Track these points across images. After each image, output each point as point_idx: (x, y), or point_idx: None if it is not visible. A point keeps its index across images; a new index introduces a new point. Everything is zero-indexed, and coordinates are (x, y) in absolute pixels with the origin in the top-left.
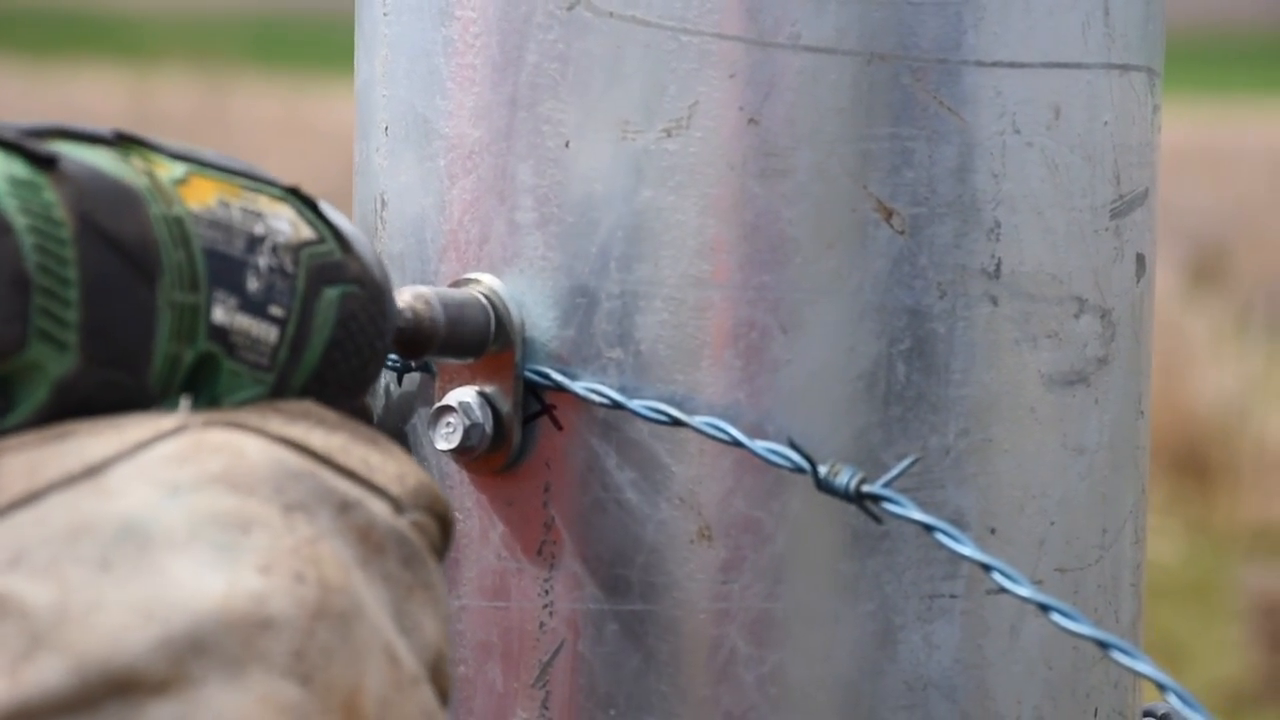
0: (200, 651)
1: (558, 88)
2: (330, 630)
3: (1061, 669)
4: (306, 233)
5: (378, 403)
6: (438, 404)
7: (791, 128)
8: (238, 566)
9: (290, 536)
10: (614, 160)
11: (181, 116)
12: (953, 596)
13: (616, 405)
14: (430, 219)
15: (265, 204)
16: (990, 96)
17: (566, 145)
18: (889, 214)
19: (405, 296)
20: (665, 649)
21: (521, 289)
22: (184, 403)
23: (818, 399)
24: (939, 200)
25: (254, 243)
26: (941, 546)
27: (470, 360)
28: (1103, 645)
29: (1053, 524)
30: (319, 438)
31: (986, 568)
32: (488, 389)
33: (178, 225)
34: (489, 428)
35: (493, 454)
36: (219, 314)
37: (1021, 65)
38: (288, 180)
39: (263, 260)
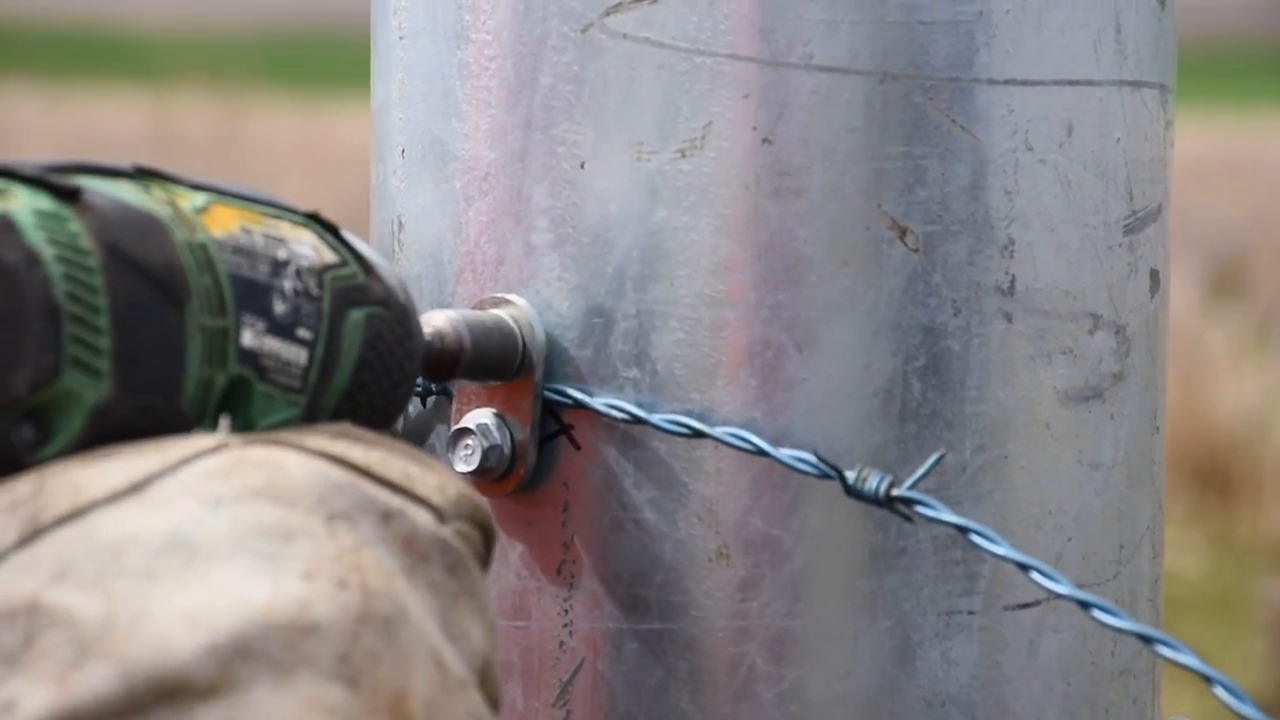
0: (246, 656)
1: (572, 109)
2: (375, 634)
3: (1080, 685)
4: (329, 256)
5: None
6: (456, 426)
7: (805, 147)
8: (281, 573)
9: (333, 544)
10: (629, 181)
11: (199, 138)
12: (970, 613)
13: (637, 420)
14: (447, 241)
15: (287, 229)
16: (1003, 114)
17: (581, 166)
18: (903, 232)
19: (432, 320)
20: (685, 667)
21: (538, 310)
22: (223, 422)
23: (834, 417)
24: (952, 218)
25: (278, 267)
26: (976, 548)
27: (496, 382)
28: (1146, 640)
29: (1069, 540)
30: (358, 452)
31: (1024, 567)
32: (506, 410)
33: (202, 251)
34: (507, 449)
35: (511, 475)
36: (248, 338)
37: (1034, 83)
38: (306, 206)
39: (288, 284)
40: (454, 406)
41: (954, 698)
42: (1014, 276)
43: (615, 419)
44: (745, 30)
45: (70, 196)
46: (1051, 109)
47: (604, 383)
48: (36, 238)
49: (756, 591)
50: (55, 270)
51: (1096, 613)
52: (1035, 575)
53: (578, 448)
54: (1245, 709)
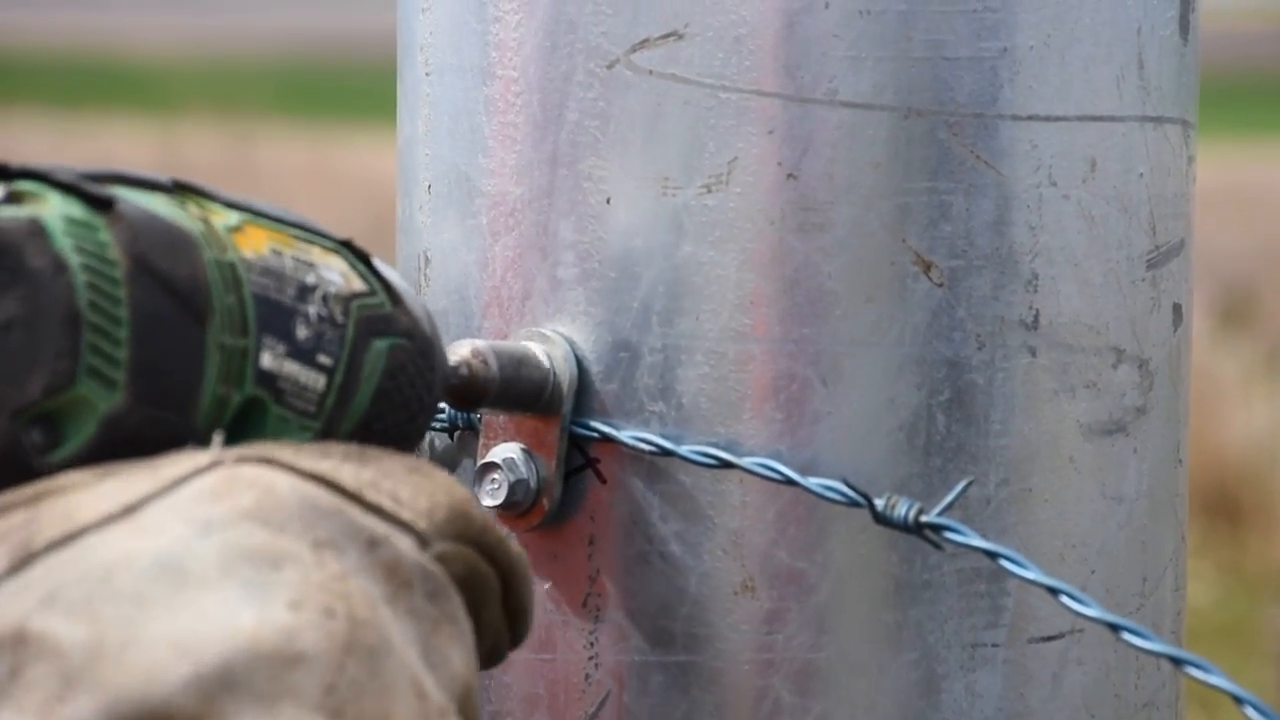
0: (231, 687)
1: (598, 145)
2: (360, 664)
3: (1104, 718)
4: (358, 285)
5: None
6: (482, 461)
7: (830, 182)
8: (269, 602)
9: (320, 572)
10: (654, 216)
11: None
12: (995, 645)
13: (665, 452)
14: (473, 276)
15: (318, 255)
16: (1026, 149)
17: (607, 202)
18: (927, 266)
19: (461, 350)
20: (710, 700)
21: (564, 345)
22: (217, 438)
23: (859, 450)
24: (977, 252)
25: (305, 291)
26: (1006, 572)
27: (523, 414)
28: (1176, 661)
29: (1093, 573)
30: (349, 473)
31: (1054, 591)
32: (532, 444)
33: (230, 270)
34: (534, 483)
35: (536, 509)
36: (267, 359)
37: (1057, 119)
38: (339, 234)
39: (313, 309)
40: (480, 441)
41: None
42: (1038, 311)
43: (642, 451)
44: (770, 66)
45: (103, 206)
46: (1075, 144)
47: (629, 417)
48: (65, 244)
49: (782, 624)
50: (80, 279)
51: (1126, 635)
52: (1064, 599)
53: (603, 481)
54: None
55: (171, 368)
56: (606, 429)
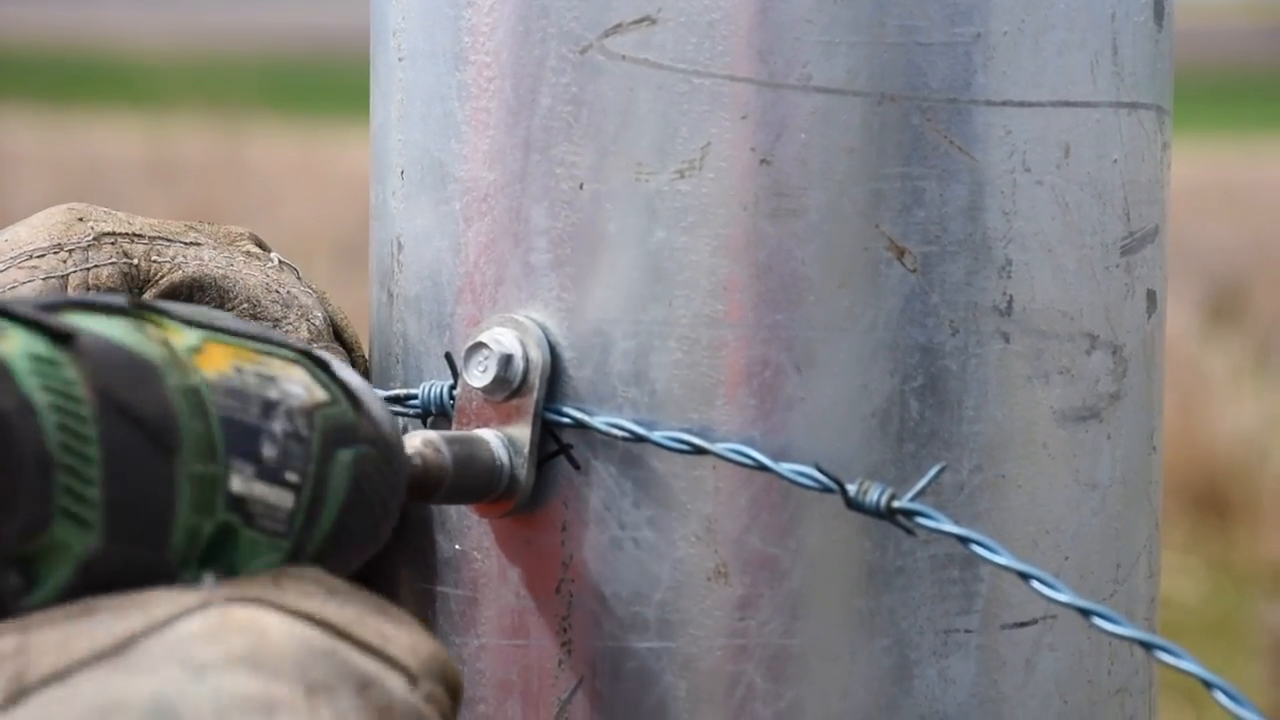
0: None
1: (571, 131)
2: None
3: (1077, 703)
4: (320, 394)
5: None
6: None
7: (803, 168)
8: None
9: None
10: (627, 202)
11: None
12: (968, 631)
13: (638, 438)
14: (446, 262)
15: (278, 367)
16: (1000, 135)
17: (580, 187)
18: (901, 252)
19: (414, 442)
20: (683, 686)
21: (537, 330)
22: (208, 578)
23: (832, 436)
24: (950, 238)
25: (269, 408)
26: (978, 557)
27: (479, 503)
28: (1147, 646)
29: (1066, 559)
30: (334, 610)
31: (1025, 576)
32: (506, 430)
33: (195, 396)
34: (508, 469)
35: (510, 495)
36: (237, 483)
37: (1031, 104)
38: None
39: (278, 425)
40: (454, 428)
41: (951, 716)
42: (1011, 297)
43: (616, 437)
44: (744, 52)
45: (65, 340)
46: (1049, 130)
47: (603, 403)
48: (31, 384)
49: (755, 610)
50: (49, 420)
51: (1097, 620)
52: (1036, 584)
53: (576, 467)
54: (1245, 713)
55: (145, 503)
56: (580, 415)
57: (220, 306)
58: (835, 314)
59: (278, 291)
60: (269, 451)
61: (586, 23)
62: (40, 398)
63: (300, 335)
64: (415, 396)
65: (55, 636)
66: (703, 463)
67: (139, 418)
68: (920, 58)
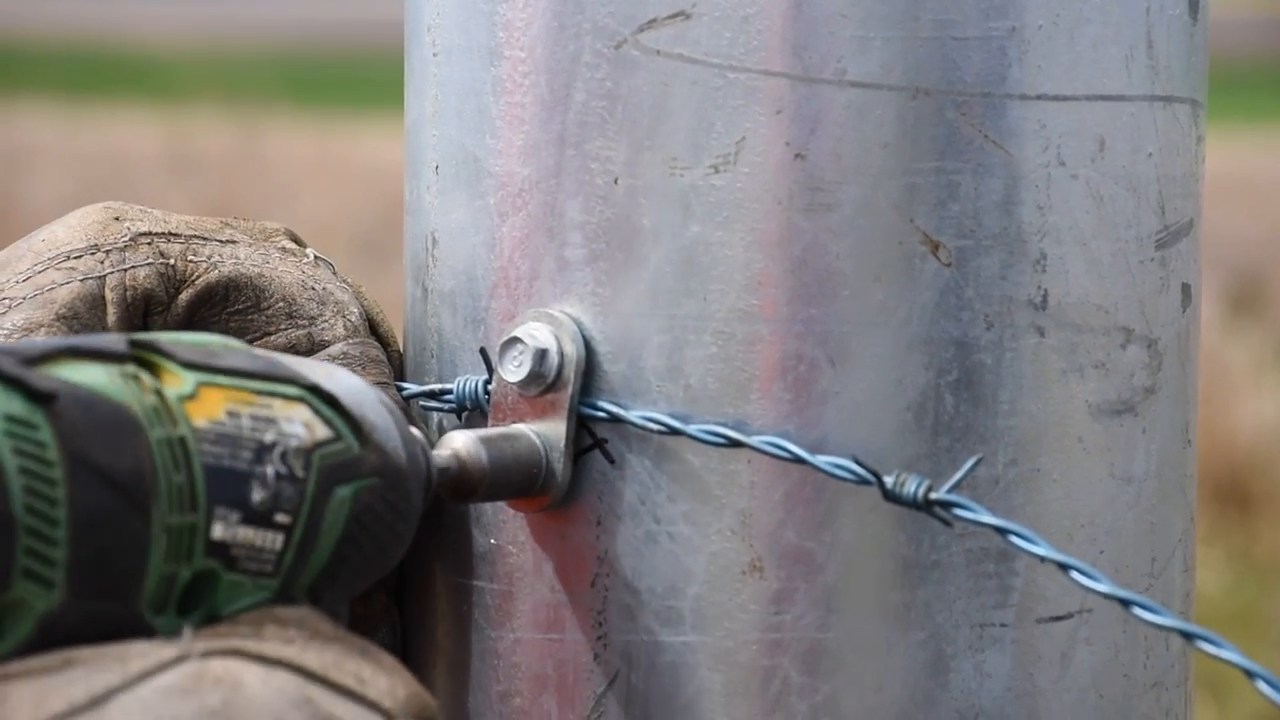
0: None
1: (605, 125)
2: None
3: (1113, 698)
4: (321, 433)
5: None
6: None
7: (838, 162)
8: None
9: None
10: (662, 196)
11: (215, 157)
12: (1003, 625)
13: (673, 431)
14: (481, 257)
15: (279, 408)
16: (1035, 129)
17: (615, 182)
18: (935, 246)
19: (452, 444)
20: (718, 680)
21: (571, 325)
22: (186, 630)
23: (867, 430)
24: (985, 232)
25: (263, 451)
26: (1015, 548)
27: (522, 499)
28: (1187, 636)
29: (1102, 553)
30: (313, 656)
31: (1064, 566)
32: (541, 425)
33: (180, 447)
34: (542, 463)
35: (545, 490)
36: (219, 530)
37: (1065, 98)
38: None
39: (270, 469)
40: (489, 423)
41: (987, 710)
42: (1046, 291)
43: (651, 430)
44: (778, 46)
45: (45, 399)
46: (1084, 124)
47: (637, 397)
48: (2, 446)
49: (790, 604)
50: (16, 484)
51: (1137, 610)
52: (1075, 575)
53: (611, 462)
54: None
55: (113, 560)
56: (615, 409)
57: (256, 305)
58: (870, 308)
59: (313, 288)
60: (258, 495)
61: (621, 18)
62: (10, 461)
63: (336, 332)
64: (450, 392)
65: (31, 691)
66: (737, 457)
67: (112, 477)
68: (955, 52)
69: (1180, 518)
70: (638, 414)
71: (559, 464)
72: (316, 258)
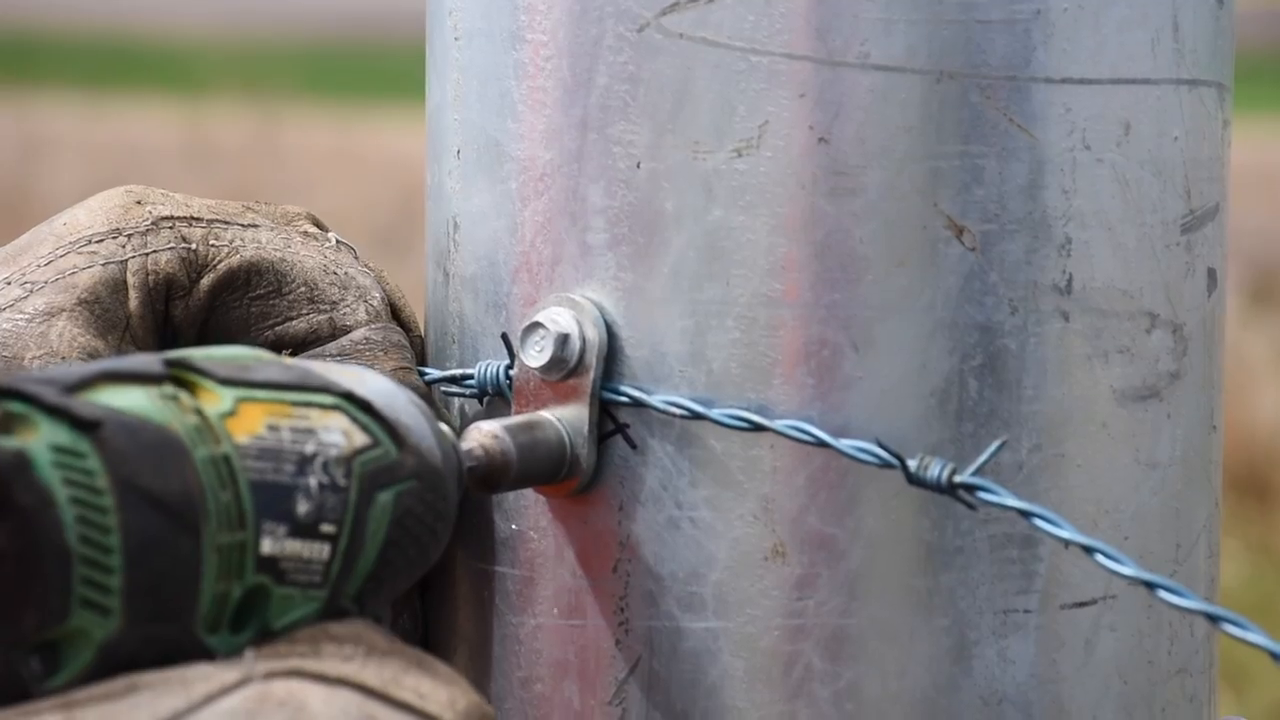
0: None
1: (628, 109)
2: None
3: (1137, 684)
4: (359, 439)
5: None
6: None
7: (861, 146)
8: None
9: None
10: (685, 180)
11: (234, 148)
12: (1027, 611)
13: (696, 415)
14: (503, 241)
15: (316, 417)
16: (1060, 113)
17: (637, 166)
18: (960, 231)
19: (477, 435)
20: (740, 666)
21: (593, 310)
22: (248, 652)
23: (890, 416)
24: (1009, 217)
25: (304, 463)
26: (1040, 531)
27: (548, 486)
28: (1213, 619)
29: (1126, 539)
30: (372, 672)
31: (1089, 549)
32: (564, 410)
33: (225, 465)
34: (568, 450)
35: (570, 476)
36: (267, 545)
37: (1091, 81)
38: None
39: (313, 480)
40: (512, 409)
41: (1010, 697)
42: (1071, 275)
43: (674, 415)
44: (801, 29)
45: (90, 427)
46: (1109, 108)
47: (660, 382)
48: (52, 477)
49: (813, 590)
50: (69, 514)
51: (1162, 593)
52: (1100, 558)
53: (634, 447)
54: None
55: (168, 583)
56: (637, 394)
57: (278, 290)
58: (893, 293)
59: (335, 273)
60: (303, 508)
61: (643, 1)
62: (61, 491)
63: (358, 316)
64: (471, 377)
65: (96, 716)
66: (760, 442)
67: (161, 501)
68: (979, 35)
69: (1205, 504)
70: (660, 399)
71: (583, 449)
72: (339, 242)
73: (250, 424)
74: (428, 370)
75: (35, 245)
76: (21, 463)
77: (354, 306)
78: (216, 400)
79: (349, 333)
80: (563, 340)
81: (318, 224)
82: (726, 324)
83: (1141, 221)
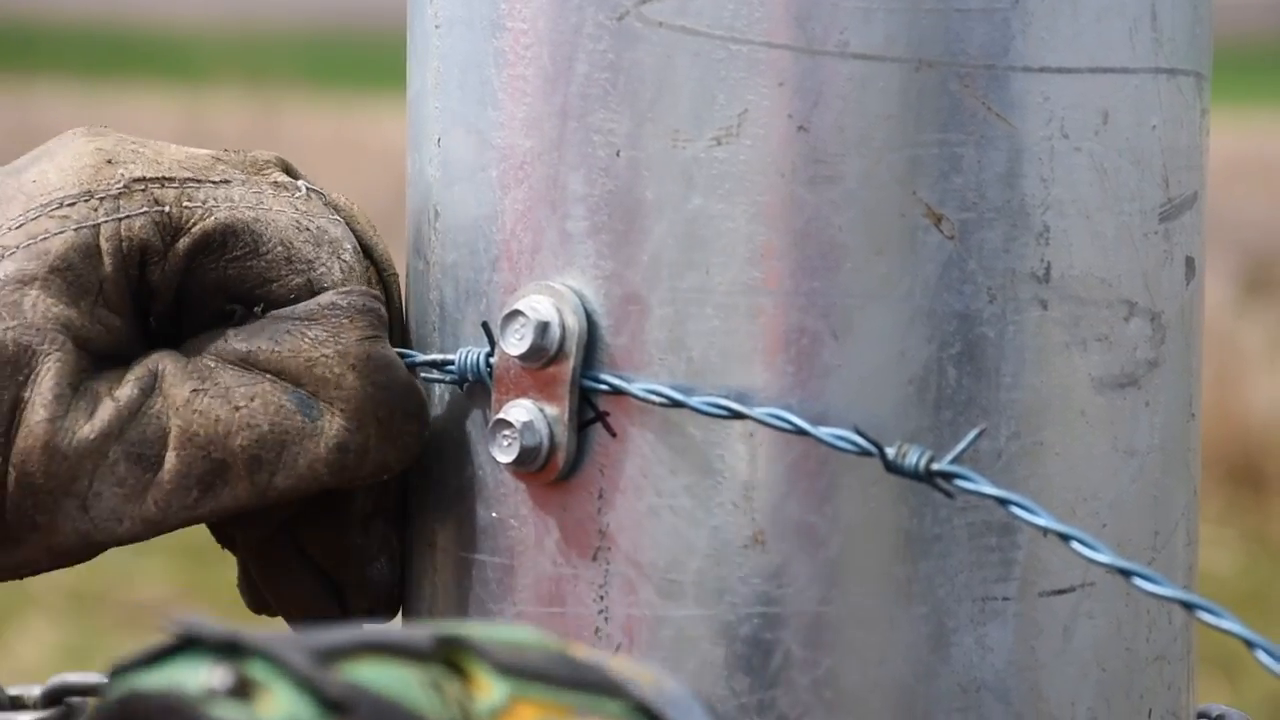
0: None
1: (608, 98)
2: None
3: (1115, 670)
4: None
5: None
6: (495, 417)
7: (840, 135)
8: None
9: None
10: (664, 169)
11: (233, 137)
12: (1005, 599)
13: (675, 403)
14: (483, 229)
15: None
16: (1038, 102)
17: (617, 154)
18: (938, 219)
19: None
20: (720, 653)
21: (573, 297)
22: None
23: (869, 403)
24: (988, 205)
25: None
26: (1017, 519)
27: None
28: (1188, 606)
29: (1104, 526)
30: None
31: (1065, 537)
32: (543, 398)
33: None
34: (546, 440)
35: (549, 464)
36: None
37: (1069, 70)
38: (637, 694)
39: None
40: (493, 396)
41: (989, 684)
42: (1049, 263)
43: (653, 403)
44: (781, 18)
45: (339, 709)
46: (1087, 96)
47: (640, 370)
48: None
49: (792, 578)
50: None
51: (1137, 580)
52: (1076, 545)
53: (613, 435)
54: None
55: None
56: (617, 381)
57: (254, 250)
58: (872, 281)
59: (308, 228)
60: None
61: None
62: None
63: (334, 277)
64: (452, 362)
65: None
66: (740, 430)
67: None
68: (958, 24)
69: (1183, 491)
70: (640, 386)
71: (563, 437)
72: (309, 190)
73: None
74: (409, 352)
75: (3, 203)
76: None
77: (329, 264)
78: (489, 692)
79: (324, 293)
80: (543, 328)
81: (288, 169)
82: (706, 312)
83: (1120, 210)
